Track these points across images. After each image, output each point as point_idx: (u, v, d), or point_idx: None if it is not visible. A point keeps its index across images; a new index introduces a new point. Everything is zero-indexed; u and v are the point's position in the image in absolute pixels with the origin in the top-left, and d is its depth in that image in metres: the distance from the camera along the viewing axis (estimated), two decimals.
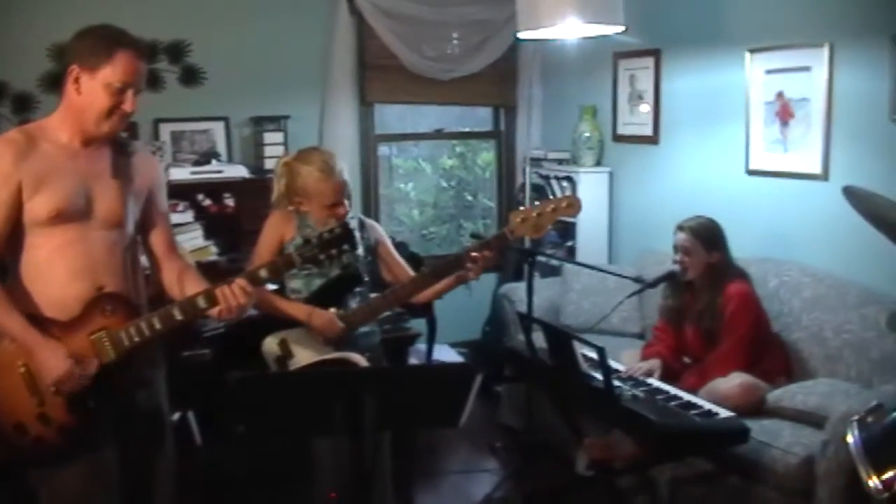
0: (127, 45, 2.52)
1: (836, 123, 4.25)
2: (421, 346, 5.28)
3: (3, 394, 2.53)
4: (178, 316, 2.61)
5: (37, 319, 2.52)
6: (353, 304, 3.31)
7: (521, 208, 3.23)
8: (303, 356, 3.21)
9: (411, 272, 3.45)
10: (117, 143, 2.69)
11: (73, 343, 2.53)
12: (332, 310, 3.26)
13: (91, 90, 2.50)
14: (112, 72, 2.48)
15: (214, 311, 2.63)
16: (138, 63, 2.54)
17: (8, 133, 2.57)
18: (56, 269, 2.55)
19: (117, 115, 2.54)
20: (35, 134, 2.55)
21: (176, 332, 2.67)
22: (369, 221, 3.59)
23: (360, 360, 3.05)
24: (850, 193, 2.90)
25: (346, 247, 2.63)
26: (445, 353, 5.85)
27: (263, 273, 2.66)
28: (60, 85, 2.57)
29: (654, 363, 4.03)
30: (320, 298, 3.29)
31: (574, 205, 3.19)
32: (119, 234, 2.65)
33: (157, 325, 2.59)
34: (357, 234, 3.16)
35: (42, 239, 2.54)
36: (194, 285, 2.74)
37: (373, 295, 3.37)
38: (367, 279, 3.42)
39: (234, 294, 2.60)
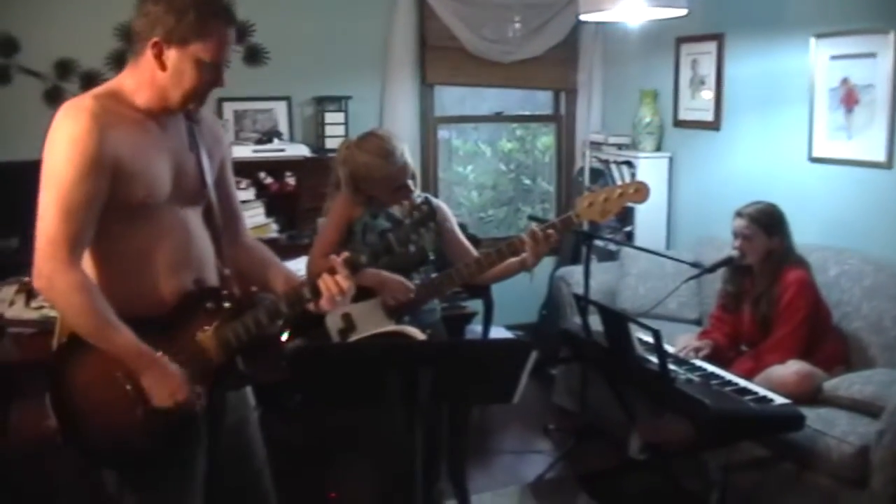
0: (220, 17, 2.19)
1: None
2: (477, 326, 5.30)
3: (104, 409, 2.24)
4: (285, 310, 2.37)
5: (133, 323, 2.19)
6: (418, 281, 3.34)
7: (588, 192, 3.23)
8: (365, 329, 3.25)
9: (475, 253, 3.47)
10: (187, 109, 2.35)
11: (177, 345, 2.28)
12: None
13: (178, 67, 2.17)
14: (204, 47, 2.16)
15: (312, 305, 2.40)
16: (231, 35, 2.23)
17: (83, 102, 2.17)
18: (150, 261, 2.26)
19: (207, 93, 2.26)
20: (114, 103, 2.20)
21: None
22: (435, 201, 3.60)
23: (417, 333, 3.08)
24: None
25: (431, 224, 2.61)
26: (500, 335, 5.86)
27: (363, 259, 2.48)
28: (134, 55, 2.21)
29: (704, 342, 4.03)
30: None
31: (641, 191, 3.18)
32: (199, 214, 2.40)
33: (264, 321, 2.34)
34: None
35: (131, 226, 2.23)
36: (278, 271, 2.56)
37: (434, 274, 3.41)
38: (432, 258, 3.46)
39: (336, 283, 2.35)
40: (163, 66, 2.18)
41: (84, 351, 2.22)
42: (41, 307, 3.61)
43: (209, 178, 2.39)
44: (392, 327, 3.22)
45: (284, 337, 2.88)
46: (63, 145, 2.11)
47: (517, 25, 6.20)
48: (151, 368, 2.19)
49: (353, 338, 3.25)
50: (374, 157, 3.29)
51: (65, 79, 5.20)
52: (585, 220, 3.25)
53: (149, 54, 2.18)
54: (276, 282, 2.52)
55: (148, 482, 2.32)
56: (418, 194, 3.43)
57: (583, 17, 4.56)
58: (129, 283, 2.25)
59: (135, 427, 2.24)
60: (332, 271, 2.37)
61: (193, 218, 2.37)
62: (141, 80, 2.22)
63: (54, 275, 2.11)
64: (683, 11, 4.34)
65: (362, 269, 2.48)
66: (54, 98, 5.16)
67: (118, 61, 5.14)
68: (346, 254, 2.44)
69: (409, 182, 3.35)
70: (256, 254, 2.61)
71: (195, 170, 2.35)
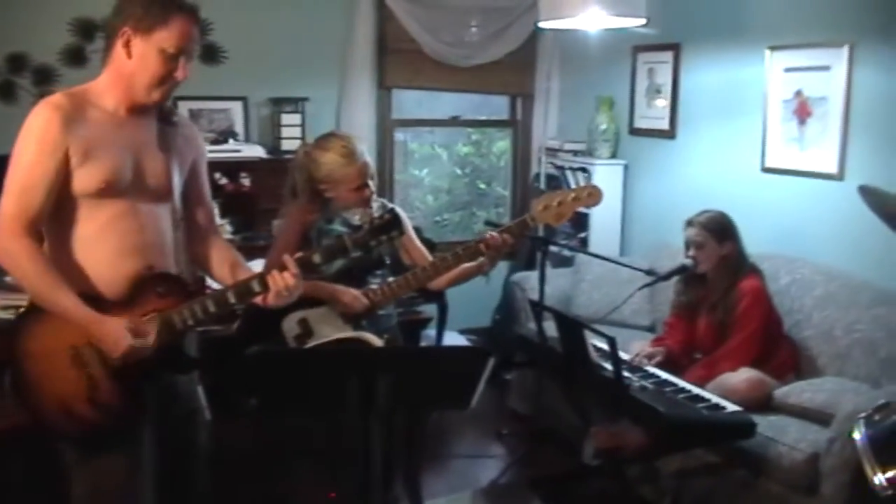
0: (184, 10, 2.40)
1: (853, 123, 4.26)
2: (430, 331, 5.31)
3: (50, 375, 2.41)
4: (233, 300, 2.50)
5: (86, 298, 2.38)
6: (374, 286, 3.33)
7: (544, 196, 3.25)
8: (322, 335, 3.24)
9: (430, 257, 3.47)
10: (162, 112, 2.56)
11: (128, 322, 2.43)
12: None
13: (143, 54, 2.36)
14: (168, 36, 2.35)
15: (260, 298, 2.54)
16: (194, 29, 2.42)
17: (53, 98, 2.39)
18: (105, 245, 2.42)
19: (169, 83, 2.42)
20: (81, 99, 2.41)
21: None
22: (396, 210, 3.60)
23: (375, 339, 3.07)
24: (866, 192, 2.90)
25: (394, 233, 2.62)
26: (454, 340, 5.87)
27: (316, 259, 2.58)
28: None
29: (658, 349, 4.07)
30: (342, 279, 3.31)
31: (595, 194, 3.22)
32: (167, 209, 2.55)
33: (212, 309, 2.47)
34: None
35: (89, 212, 2.41)
36: (243, 269, 2.67)
37: (392, 278, 3.40)
38: (388, 262, 3.45)
39: (284, 279, 2.49)
40: (129, 55, 2.38)
41: (36, 320, 2.42)
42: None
43: (176, 178, 2.55)
44: (350, 333, 3.21)
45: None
46: (25, 133, 2.36)
47: (475, 30, 6.21)
48: (95, 323, 2.37)
49: (310, 343, 3.23)
50: (336, 155, 3.29)
51: (17, 73, 5.13)
52: (541, 223, 3.27)
53: (118, 45, 2.39)
54: (241, 276, 2.63)
55: (95, 456, 2.47)
56: (378, 199, 3.43)
57: (542, 25, 4.57)
58: (86, 263, 2.43)
59: (80, 396, 2.41)
60: (283, 268, 2.50)
61: (154, 211, 2.51)
62: (112, 78, 2.43)
63: (8, 244, 2.34)
64: (642, 21, 4.37)
65: (315, 268, 2.61)
66: (6, 93, 5.10)
67: (72, 56, 5.07)
68: (299, 254, 2.57)
69: (370, 182, 3.35)
70: (223, 252, 2.75)
71: (161, 168, 2.52)
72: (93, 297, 2.41)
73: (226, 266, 2.70)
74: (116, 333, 2.36)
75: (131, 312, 2.43)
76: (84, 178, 2.37)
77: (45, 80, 5.14)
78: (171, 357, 2.51)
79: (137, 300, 2.45)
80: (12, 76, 5.12)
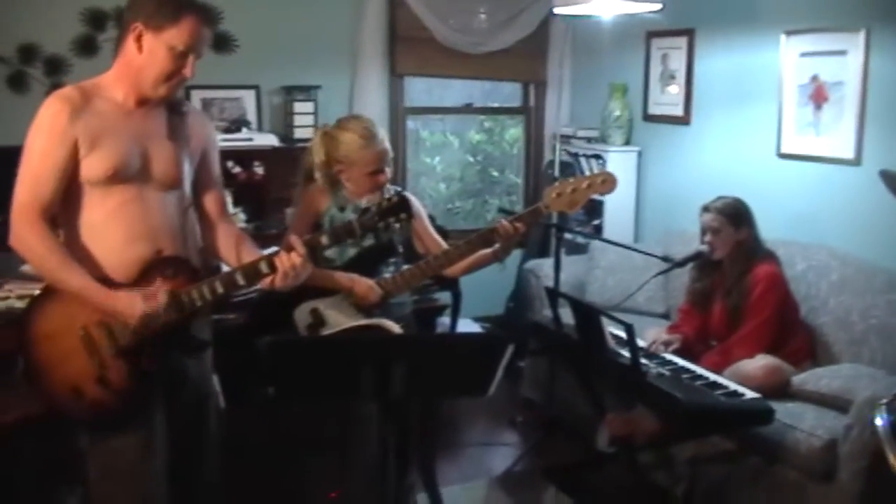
0: (194, 9, 2.48)
1: (869, 108, 4.23)
2: (445, 319, 5.30)
3: (61, 357, 2.50)
4: (241, 281, 2.57)
5: (98, 281, 2.47)
6: (387, 274, 3.32)
7: (557, 183, 3.23)
8: (335, 323, 3.23)
9: (444, 245, 3.46)
10: (172, 103, 2.64)
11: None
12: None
13: (153, 50, 2.45)
14: (177, 34, 2.44)
15: (268, 280, 2.59)
16: (203, 28, 2.50)
17: (63, 90, 2.51)
18: (114, 231, 2.51)
19: (176, 79, 2.50)
20: (90, 91, 2.50)
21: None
22: (406, 194, 3.59)
23: (394, 327, 3.07)
24: (887, 176, 2.90)
25: (403, 215, 2.62)
26: (468, 327, 5.87)
27: (325, 240, 2.61)
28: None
29: (674, 336, 4.06)
30: (354, 268, 3.29)
31: (609, 181, 3.19)
32: (176, 196, 2.62)
33: (220, 290, 2.54)
34: None
35: (99, 199, 2.49)
36: (251, 251, 2.72)
37: (405, 266, 3.39)
38: (401, 250, 3.43)
39: (291, 259, 2.54)
40: (140, 49, 2.46)
41: (49, 301, 2.53)
42: (7, 297, 3.55)
43: (185, 166, 2.63)
44: (366, 321, 3.20)
45: None
46: (36, 125, 2.46)
47: (485, 16, 6.19)
48: (109, 298, 2.46)
49: (324, 332, 3.22)
50: (355, 135, 3.29)
51: (29, 64, 5.13)
52: (554, 210, 3.25)
53: (130, 39, 2.47)
54: (247, 259, 2.69)
55: (107, 438, 2.53)
56: (392, 188, 3.41)
57: (556, 11, 4.56)
58: (96, 248, 2.52)
59: (90, 377, 2.49)
60: (290, 249, 2.56)
61: (163, 198, 2.59)
62: (122, 72, 2.52)
63: (22, 231, 2.44)
64: (657, 6, 4.35)
65: (323, 249, 2.66)
66: (18, 83, 5.10)
67: (83, 47, 5.07)
68: (307, 236, 2.62)
69: (386, 169, 3.34)
70: (231, 235, 2.80)
71: (169, 157, 2.58)
72: (103, 281, 2.49)
73: (232, 247, 2.76)
74: (131, 301, 2.45)
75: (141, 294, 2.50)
76: (92, 166, 2.46)
77: (56, 71, 5.14)
78: (180, 338, 2.58)
79: (146, 283, 2.52)
80: (24, 67, 5.12)
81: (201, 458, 2.79)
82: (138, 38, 2.45)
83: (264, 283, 2.62)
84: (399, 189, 3.45)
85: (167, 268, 2.54)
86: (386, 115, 6.11)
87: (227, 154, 5.34)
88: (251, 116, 5.73)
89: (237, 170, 5.44)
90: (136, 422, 2.53)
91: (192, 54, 2.48)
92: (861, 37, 4.20)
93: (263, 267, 2.57)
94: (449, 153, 7.38)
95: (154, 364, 2.53)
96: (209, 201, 2.78)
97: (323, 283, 3.26)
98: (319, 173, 3.34)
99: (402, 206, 2.61)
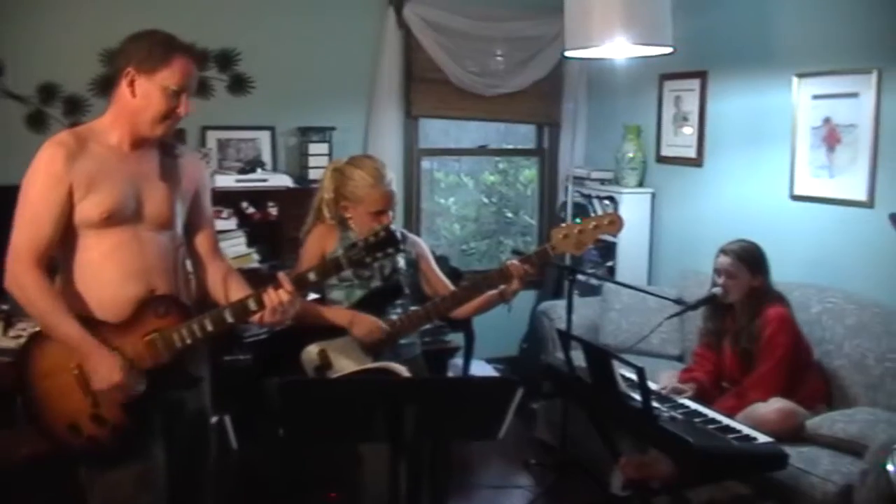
0: (183, 50, 2.58)
1: (882, 150, 4.22)
2: (458, 360, 5.29)
3: (57, 394, 2.56)
4: (230, 318, 2.63)
5: (89, 321, 2.54)
6: (394, 316, 3.33)
7: (563, 224, 3.24)
8: (343, 366, 3.23)
9: (452, 287, 3.47)
10: (165, 145, 2.72)
11: (127, 345, 2.56)
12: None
13: (147, 93, 2.53)
14: (170, 75, 2.53)
15: (257, 317, 2.64)
16: (193, 67, 2.60)
17: (58, 135, 2.59)
18: (108, 271, 2.57)
19: (172, 119, 2.59)
20: (85, 136, 2.58)
21: (220, 336, 2.69)
22: (412, 236, 3.61)
23: (402, 370, 3.06)
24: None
25: (390, 249, 2.63)
26: (481, 369, 5.85)
27: (312, 276, 2.66)
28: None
29: (688, 385, 4.02)
30: (362, 310, 3.31)
31: (616, 222, 3.20)
32: (168, 236, 2.69)
33: (209, 327, 2.61)
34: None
35: (94, 240, 2.56)
36: (239, 288, 2.77)
37: (412, 308, 3.39)
38: (407, 291, 3.44)
39: (279, 296, 2.60)
40: (134, 93, 2.55)
41: (45, 340, 2.57)
42: (19, 336, 3.57)
43: (177, 207, 2.70)
44: (374, 364, 3.20)
45: None
46: (32, 169, 2.52)
47: (501, 59, 6.22)
48: (92, 354, 2.49)
49: (331, 375, 3.22)
50: (365, 174, 3.33)
51: (48, 103, 5.17)
52: (561, 252, 3.26)
53: (123, 84, 2.55)
54: (234, 297, 2.74)
55: (105, 471, 2.57)
56: (394, 228, 3.42)
57: (568, 54, 4.57)
58: (91, 288, 2.57)
59: (85, 413, 2.54)
60: (278, 286, 2.61)
61: (156, 238, 2.65)
62: (117, 116, 2.59)
63: (18, 274, 2.50)
64: (669, 50, 4.36)
65: (311, 285, 2.73)
66: (37, 122, 5.15)
67: (102, 86, 5.12)
68: (295, 272, 2.70)
69: (391, 213, 3.36)
70: (220, 271, 2.86)
71: (162, 198, 2.66)
72: (98, 322, 2.55)
73: (220, 284, 2.82)
74: (111, 367, 2.49)
75: (133, 332, 2.57)
76: (87, 210, 2.52)
77: (75, 110, 5.19)
78: (173, 374, 2.63)
79: (139, 321, 2.59)
80: (43, 106, 5.17)
81: (200, 489, 2.84)
82: (131, 83, 2.54)
83: (254, 320, 2.67)
84: (403, 232, 3.48)
85: (159, 306, 2.61)
86: (401, 157, 6.13)
87: (241, 194, 5.42)
88: (266, 157, 5.76)
89: (251, 210, 5.45)
90: (133, 455, 2.57)
91: (185, 93, 2.57)
92: (873, 78, 4.20)
93: (251, 304, 2.63)
94: (464, 194, 7.40)
95: (148, 401, 2.58)
96: (200, 240, 2.85)
97: (325, 320, 3.27)
98: (328, 211, 3.37)
99: (389, 241, 2.63)
